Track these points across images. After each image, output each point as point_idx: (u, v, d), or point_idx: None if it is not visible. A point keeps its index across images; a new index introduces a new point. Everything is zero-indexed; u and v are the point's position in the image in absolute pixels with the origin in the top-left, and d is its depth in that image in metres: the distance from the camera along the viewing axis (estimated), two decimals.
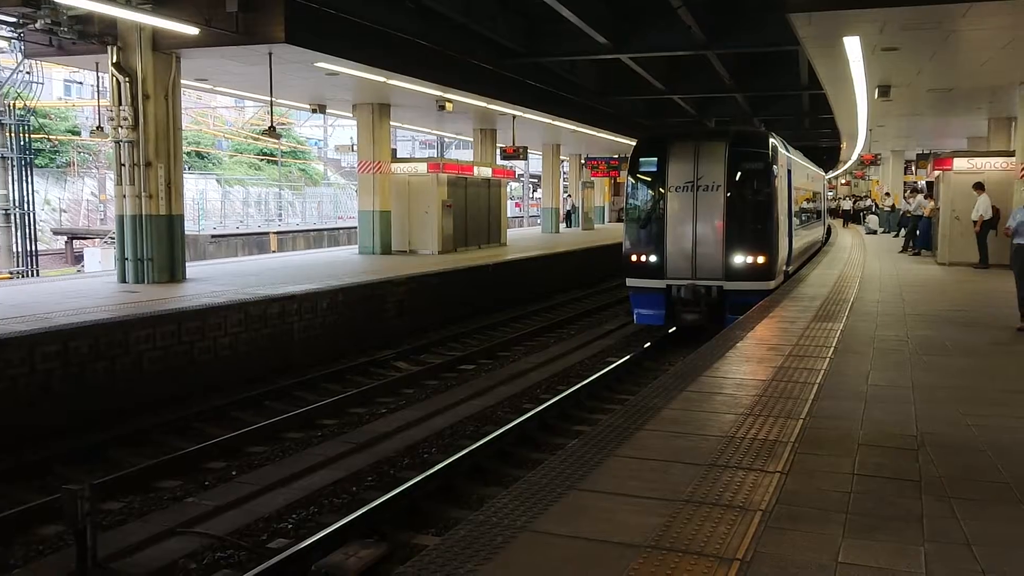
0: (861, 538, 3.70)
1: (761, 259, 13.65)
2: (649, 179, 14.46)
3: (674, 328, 14.55)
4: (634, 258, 14.33)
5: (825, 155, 43.36)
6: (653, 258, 14.09)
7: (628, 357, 12.76)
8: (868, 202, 41.03)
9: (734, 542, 3.63)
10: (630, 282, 14.55)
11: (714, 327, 11.95)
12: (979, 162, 17.49)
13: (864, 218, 35.81)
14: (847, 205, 41.81)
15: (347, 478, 7.85)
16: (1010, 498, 4.24)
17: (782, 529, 3.79)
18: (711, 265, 13.74)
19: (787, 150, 16.14)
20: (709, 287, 13.71)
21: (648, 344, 13.86)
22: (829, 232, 30.30)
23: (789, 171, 15.61)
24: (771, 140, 14.33)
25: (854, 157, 35.14)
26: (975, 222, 16.43)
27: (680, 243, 13.89)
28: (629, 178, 14.86)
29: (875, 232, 31.23)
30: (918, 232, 21.30)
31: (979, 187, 16.40)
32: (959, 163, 17.67)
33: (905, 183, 35.77)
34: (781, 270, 14.64)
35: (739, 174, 13.81)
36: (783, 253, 14.65)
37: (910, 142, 31.78)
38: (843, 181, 52.97)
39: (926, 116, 21.36)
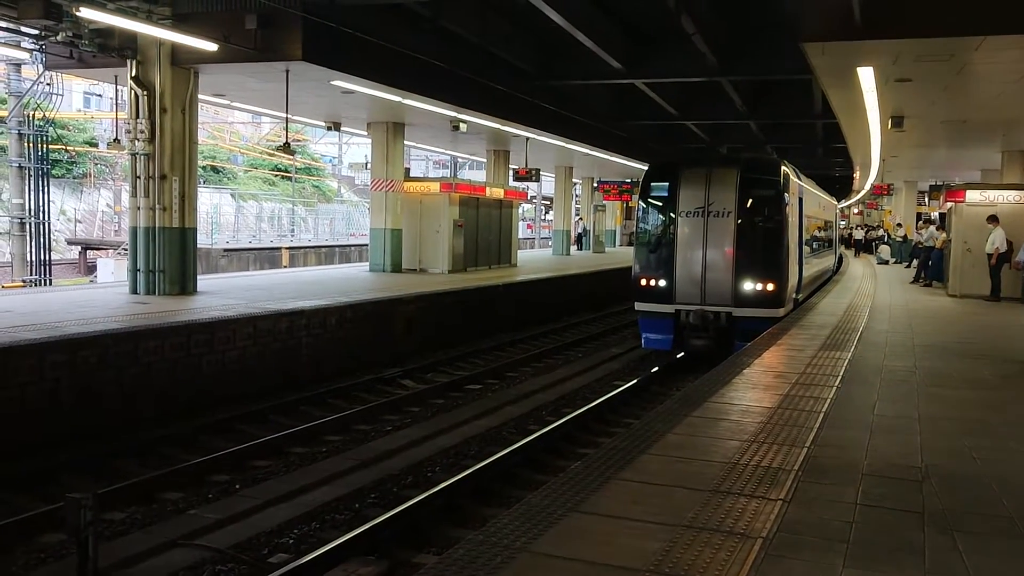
0: (861, 568, 3.67)
1: (771, 286, 13.61)
2: (660, 204, 14.47)
3: (682, 353, 14.51)
4: (643, 282, 14.33)
5: (838, 184, 43.36)
6: (662, 283, 14.09)
7: (635, 382, 12.74)
8: (880, 232, 40.93)
9: (733, 569, 3.61)
10: (639, 306, 14.54)
11: (722, 353, 11.91)
12: (992, 195, 17.46)
13: (876, 248, 35.71)
14: (859, 235, 41.71)
15: (350, 495, 7.85)
16: (1014, 532, 4.20)
17: (782, 557, 3.76)
18: (720, 291, 13.72)
19: (799, 178, 16.13)
20: (718, 313, 13.69)
21: (655, 368, 13.82)
22: (841, 261, 30.22)
23: (800, 199, 15.59)
24: (783, 168, 14.33)
25: (867, 187, 35.10)
26: (990, 255, 16.39)
27: (690, 268, 13.89)
28: (640, 202, 14.87)
29: (887, 262, 31.13)
30: (930, 263, 21.23)
31: (994, 219, 16.37)
32: (972, 195, 17.64)
33: (918, 214, 35.69)
34: (791, 298, 14.59)
35: (750, 201, 13.81)
36: (793, 281, 14.61)
37: (923, 173, 31.74)
38: (855, 211, 52.90)
39: (939, 147, 21.36)
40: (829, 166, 37.43)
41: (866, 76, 11.23)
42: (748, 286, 13.60)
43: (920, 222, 28.89)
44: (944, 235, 20.01)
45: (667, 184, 14.22)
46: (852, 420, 6.44)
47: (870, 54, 10.23)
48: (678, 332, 14.05)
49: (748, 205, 13.79)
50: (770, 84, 22.57)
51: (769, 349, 9.89)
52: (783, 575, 3.58)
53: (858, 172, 31.79)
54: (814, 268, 18.67)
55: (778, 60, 17.32)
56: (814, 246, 19.12)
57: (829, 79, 12.04)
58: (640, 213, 14.94)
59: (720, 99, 22.64)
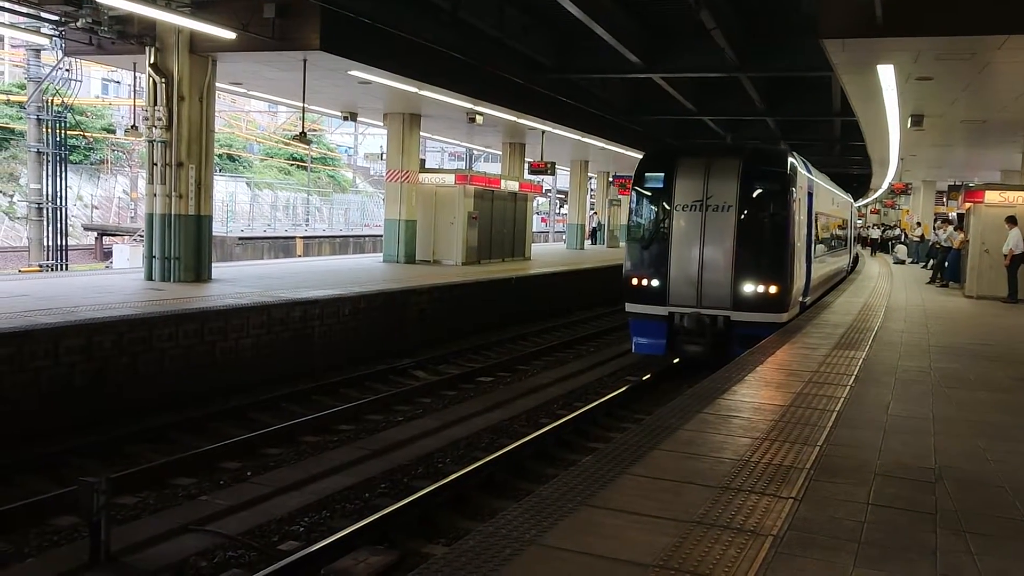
0: (872, 568, 3.65)
1: (773, 289, 12.41)
2: (654, 195, 13.19)
3: (677, 360, 13.66)
4: (634, 281, 13.10)
5: (855, 182, 43.04)
6: (655, 282, 12.86)
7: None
8: (897, 231, 40.66)
9: (743, 566, 3.60)
10: (629, 307, 13.29)
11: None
12: (1011, 195, 17.29)
13: (892, 247, 35.48)
14: (875, 234, 41.42)
15: (360, 484, 7.88)
16: None
17: (792, 555, 3.75)
18: (718, 293, 12.51)
19: (809, 171, 15.16)
20: (715, 317, 12.50)
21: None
22: (856, 260, 29.96)
23: (810, 194, 14.67)
24: (790, 159, 13.05)
25: (884, 186, 34.84)
26: (1005, 256, 16.26)
27: (685, 267, 12.66)
28: (632, 193, 13.68)
29: (903, 262, 30.94)
30: (947, 264, 21.06)
31: (1011, 221, 16.24)
32: (991, 196, 17.46)
33: (936, 214, 35.40)
34: (796, 301, 13.62)
35: (753, 194, 12.57)
36: (799, 283, 13.62)
37: (942, 172, 31.46)
38: (872, 209, 52.52)
39: (959, 147, 21.16)
40: (847, 164, 37.18)
41: (886, 74, 11.13)
42: (748, 288, 12.38)
43: (939, 222, 28.67)
44: (962, 235, 19.85)
45: (662, 174, 12.94)
46: (865, 420, 6.40)
47: (891, 52, 10.13)
48: (671, 337, 12.84)
49: (751, 199, 12.50)
50: (789, 81, 22.39)
51: (782, 347, 9.84)
52: (793, 574, 3.56)
53: (876, 171, 31.56)
54: (825, 269, 17.63)
55: (798, 57, 17.17)
56: (826, 245, 18.12)
57: (848, 76, 11.92)
58: (632, 205, 13.68)
59: (738, 95, 22.47)
